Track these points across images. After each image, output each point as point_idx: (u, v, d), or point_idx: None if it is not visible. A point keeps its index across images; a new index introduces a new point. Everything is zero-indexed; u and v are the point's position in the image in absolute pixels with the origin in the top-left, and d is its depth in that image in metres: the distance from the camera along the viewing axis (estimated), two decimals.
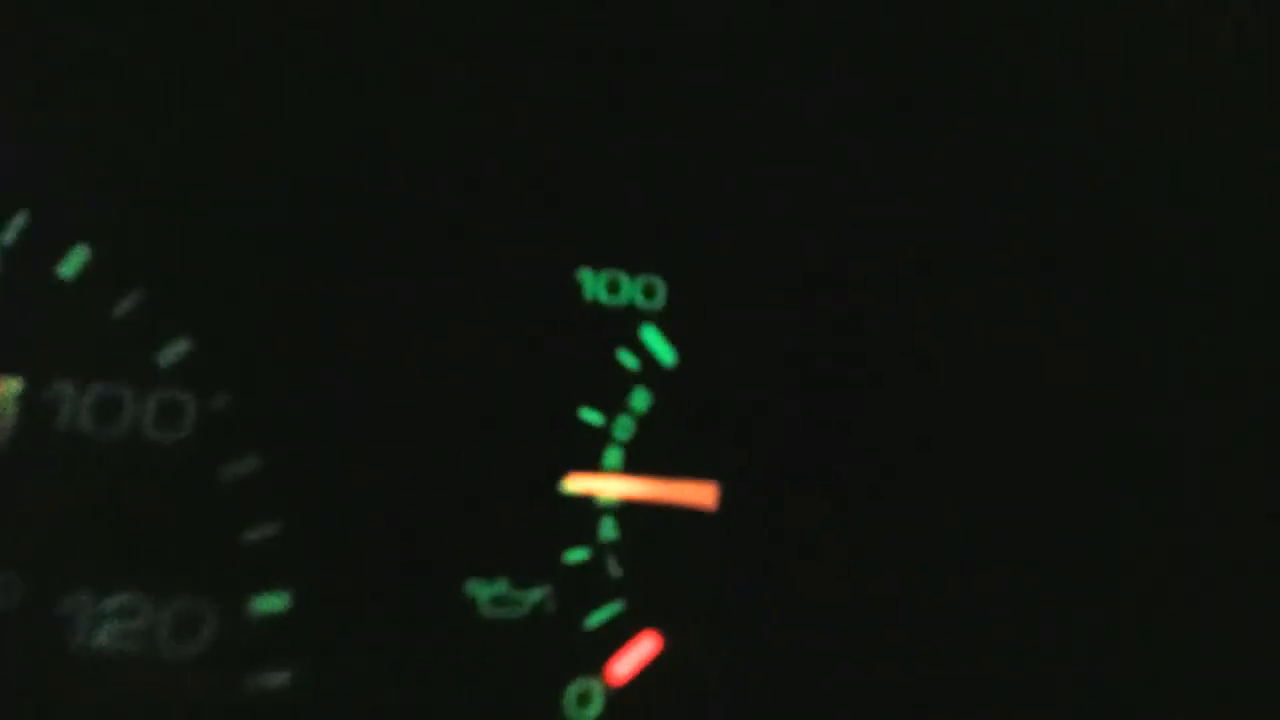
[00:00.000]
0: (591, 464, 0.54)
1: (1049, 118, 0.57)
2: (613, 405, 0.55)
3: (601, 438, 0.55)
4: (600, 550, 0.54)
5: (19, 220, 0.51)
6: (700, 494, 0.54)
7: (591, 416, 0.55)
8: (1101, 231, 0.59)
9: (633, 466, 0.55)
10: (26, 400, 0.49)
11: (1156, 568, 0.55)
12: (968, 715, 0.52)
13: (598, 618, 0.53)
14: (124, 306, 0.51)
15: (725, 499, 0.54)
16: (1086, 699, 0.54)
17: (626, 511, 0.54)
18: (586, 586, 0.53)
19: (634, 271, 0.56)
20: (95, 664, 0.47)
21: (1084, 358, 0.57)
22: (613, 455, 0.54)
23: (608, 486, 0.54)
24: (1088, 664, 0.54)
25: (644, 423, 0.55)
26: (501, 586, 0.52)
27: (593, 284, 0.55)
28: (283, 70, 0.54)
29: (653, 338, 0.56)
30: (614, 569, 0.54)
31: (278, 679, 0.48)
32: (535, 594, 0.52)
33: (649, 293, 0.56)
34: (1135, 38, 0.56)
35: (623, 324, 0.55)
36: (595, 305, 0.55)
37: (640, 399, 0.55)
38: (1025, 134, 0.57)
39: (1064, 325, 0.57)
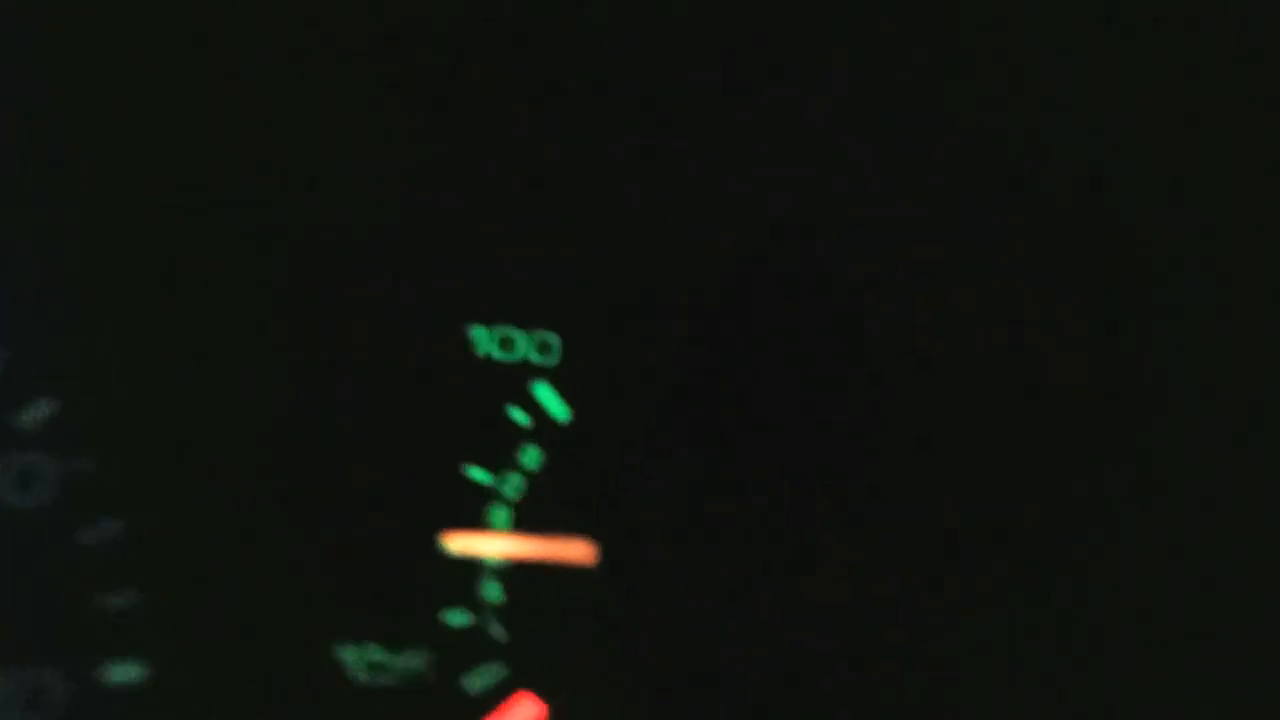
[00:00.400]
0: (476, 522, 0.53)
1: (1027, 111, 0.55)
2: (502, 462, 0.53)
3: (488, 495, 0.53)
4: (482, 611, 0.52)
5: None
6: (580, 551, 0.52)
7: (479, 474, 0.53)
8: (1089, 227, 0.56)
9: (522, 525, 0.53)
10: None
11: (1144, 569, 0.53)
12: None
13: (479, 682, 0.52)
14: None
15: (606, 556, 0.52)
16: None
17: (512, 572, 0.53)
18: (467, 650, 0.52)
19: (529, 327, 0.53)
20: None
21: (1058, 361, 0.55)
22: (500, 514, 0.53)
23: (487, 545, 0.52)
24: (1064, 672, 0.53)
25: (534, 480, 0.53)
26: (375, 651, 0.51)
27: (486, 340, 0.53)
28: (129, 128, 0.52)
29: (546, 394, 0.54)
30: (497, 631, 0.52)
31: None
32: (412, 659, 0.51)
33: (543, 349, 0.53)
34: (1140, 34, 0.53)
35: (516, 380, 0.53)
36: (488, 361, 0.53)
37: (531, 456, 0.53)
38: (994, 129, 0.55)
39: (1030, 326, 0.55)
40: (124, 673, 0.48)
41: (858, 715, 0.52)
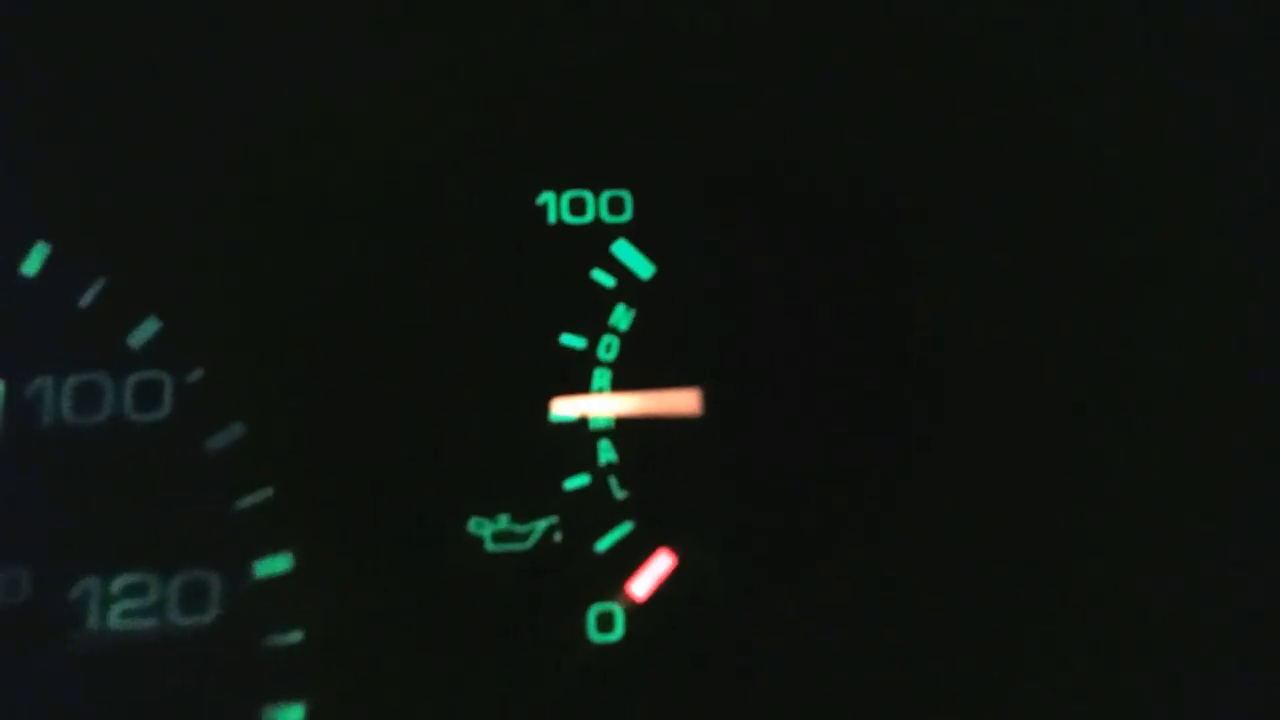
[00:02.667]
0: (579, 388, 0.54)
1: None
2: (594, 327, 0.54)
3: (586, 361, 0.54)
4: (601, 473, 0.53)
5: None
6: (685, 402, 0.54)
7: (573, 341, 0.54)
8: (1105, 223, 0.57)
9: (621, 385, 0.54)
10: (8, 400, 0.49)
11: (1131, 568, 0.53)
12: (979, 625, 0.52)
13: (607, 541, 0.53)
14: (89, 296, 0.51)
15: (709, 404, 0.54)
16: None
17: (622, 431, 0.54)
18: (591, 511, 0.53)
19: (598, 189, 0.55)
20: (111, 644, 0.47)
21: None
22: (600, 377, 0.54)
23: (595, 406, 0.53)
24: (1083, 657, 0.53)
25: (628, 340, 0.54)
26: (504, 522, 0.52)
27: (557, 206, 0.55)
28: (226, 45, 0.54)
29: (626, 252, 0.55)
30: (617, 490, 0.53)
31: (291, 638, 0.48)
32: (540, 525, 0.52)
33: (616, 208, 0.55)
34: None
35: (593, 243, 0.55)
36: (562, 227, 0.54)
37: (621, 316, 0.55)
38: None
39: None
40: (272, 565, 0.49)
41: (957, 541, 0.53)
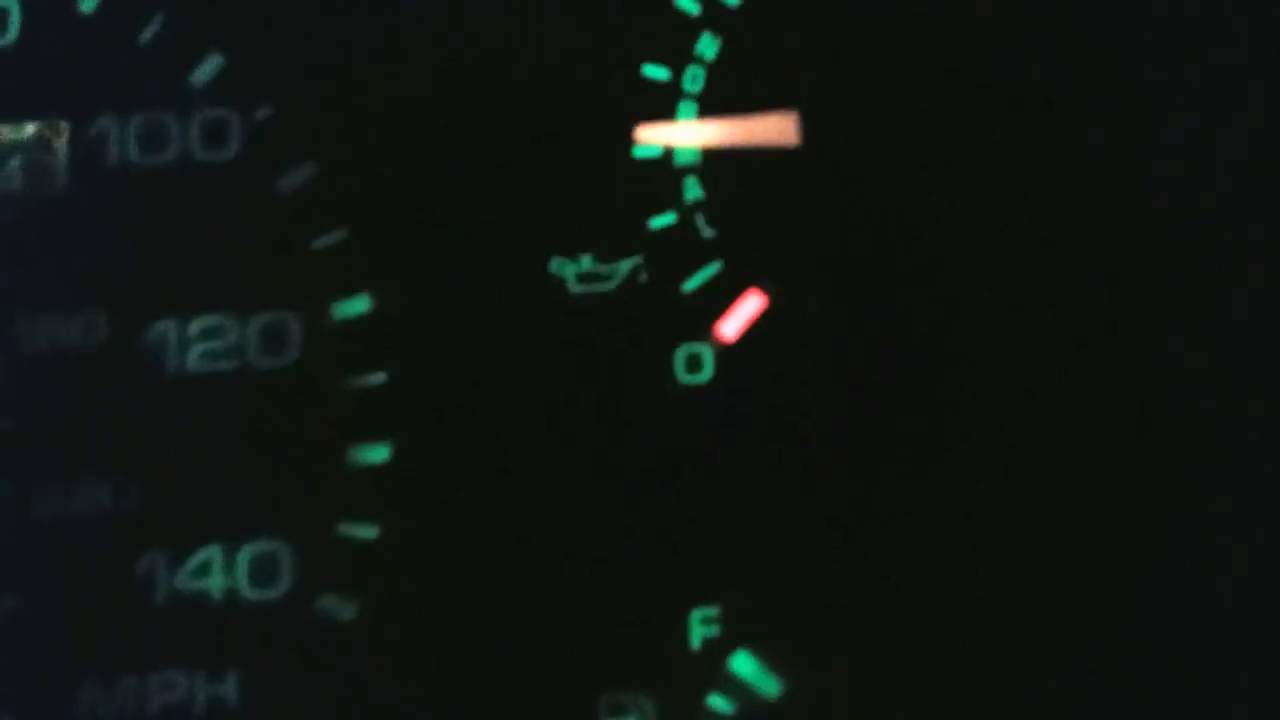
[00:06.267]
0: (664, 121, 0.51)
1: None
2: (678, 56, 0.51)
3: (671, 92, 0.51)
4: (687, 211, 0.51)
5: None
6: (781, 127, 0.51)
7: (657, 72, 0.51)
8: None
9: (708, 116, 0.51)
10: (73, 140, 0.48)
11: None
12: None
13: (695, 281, 0.51)
14: (150, 31, 0.49)
15: (807, 130, 0.51)
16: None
17: (709, 167, 0.51)
18: (678, 250, 0.51)
19: None
20: (191, 386, 0.46)
21: None
22: (686, 109, 0.51)
23: (681, 136, 0.51)
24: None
25: (714, 69, 0.51)
26: (587, 263, 0.50)
27: None
28: None
29: None
30: (705, 229, 0.51)
31: (374, 380, 0.47)
32: (625, 265, 0.50)
33: None
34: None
35: None
36: None
37: (707, 45, 0.51)
38: None
39: None
40: (351, 306, 0.47)
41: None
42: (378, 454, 0.47)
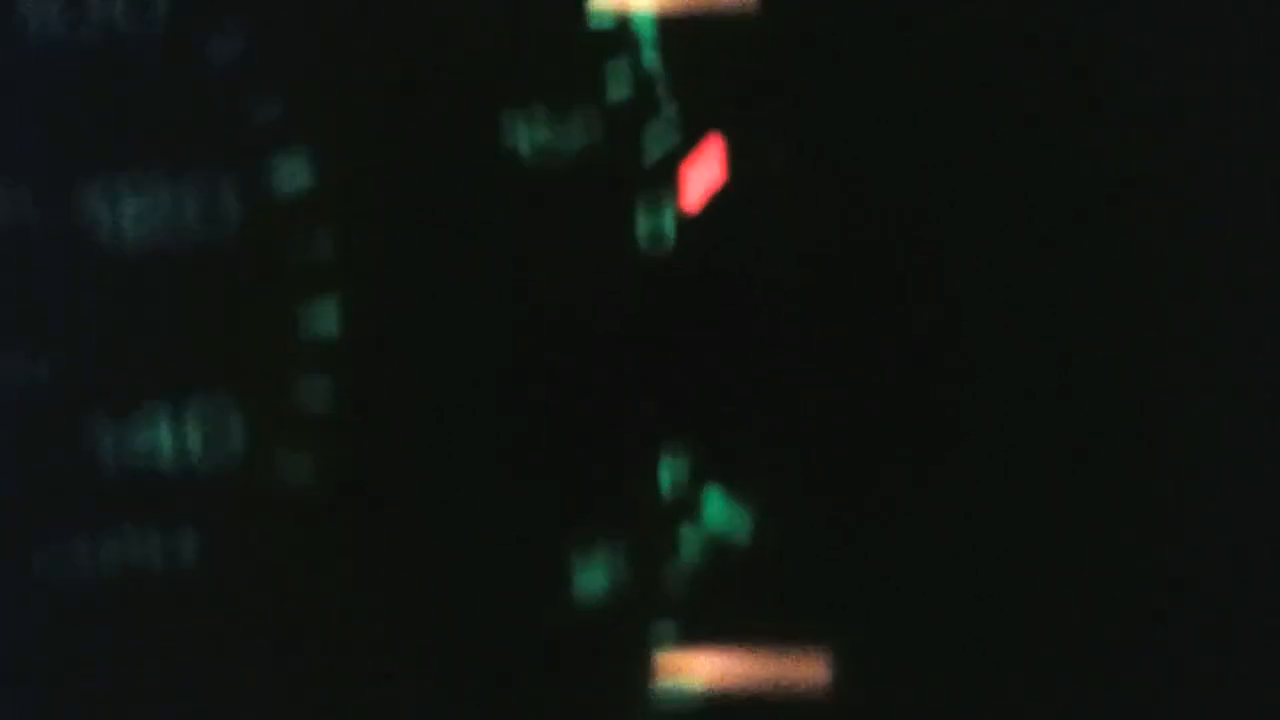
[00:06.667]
0: None
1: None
2: None
3: None
4: (644, 81, 0.49)
5: None
6: None
7: None
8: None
9: None
10: None
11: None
12: None
13: (655, 151, 0.49)
14: None
15: None
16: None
17: (666, 36, 0.49)
18: (635, 121, 0.49)
19: None
20: (129, 260, 0.45)
21: None
22: None
23: (637, 1, 0.49)
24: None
25: None
26: (543, 134, 0.48)
27: None
28: None
29: None
30: (663, 98, 0.49)
31: (320, 250, 0.45)
32: (579, 135, 0.49)
33: None
34: None
35: None
36: None
37: None
38: None
39: None
40: (290, 179, 0.46)
41: None
42: (326, 320, 0.45)
